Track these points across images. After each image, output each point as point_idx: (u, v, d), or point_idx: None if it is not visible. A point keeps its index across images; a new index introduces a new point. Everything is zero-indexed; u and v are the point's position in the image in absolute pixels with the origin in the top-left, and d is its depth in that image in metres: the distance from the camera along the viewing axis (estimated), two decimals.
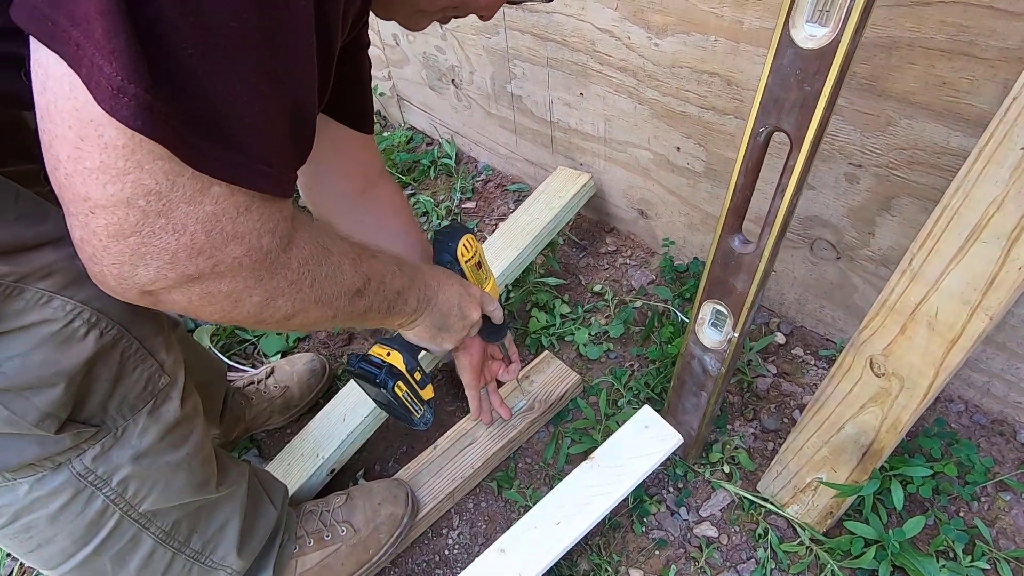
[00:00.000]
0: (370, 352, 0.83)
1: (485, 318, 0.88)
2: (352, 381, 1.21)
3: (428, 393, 0.87)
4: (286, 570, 0.92)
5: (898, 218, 0.93)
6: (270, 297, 0.47)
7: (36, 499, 0.59)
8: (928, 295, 0.72)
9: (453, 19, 0.69)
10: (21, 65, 0.39)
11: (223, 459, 0.80)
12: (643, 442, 0.95)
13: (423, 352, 0.85)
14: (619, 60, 1.17)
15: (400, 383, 0.80)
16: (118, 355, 0.59)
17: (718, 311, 0.89)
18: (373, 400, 0.90)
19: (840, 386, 0.85)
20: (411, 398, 0.84)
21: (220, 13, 0.34)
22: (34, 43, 0.36)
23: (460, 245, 0.84)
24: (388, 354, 0.82)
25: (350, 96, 0.77)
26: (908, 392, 0.77)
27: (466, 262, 0.86)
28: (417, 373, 0.84)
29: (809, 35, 0.65)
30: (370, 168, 0.87)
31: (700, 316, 0.92)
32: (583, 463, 0.96)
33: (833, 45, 0.63)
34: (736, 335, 0.88)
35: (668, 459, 1.08)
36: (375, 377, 0.79)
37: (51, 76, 0.35)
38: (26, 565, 1.21)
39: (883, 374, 0.79)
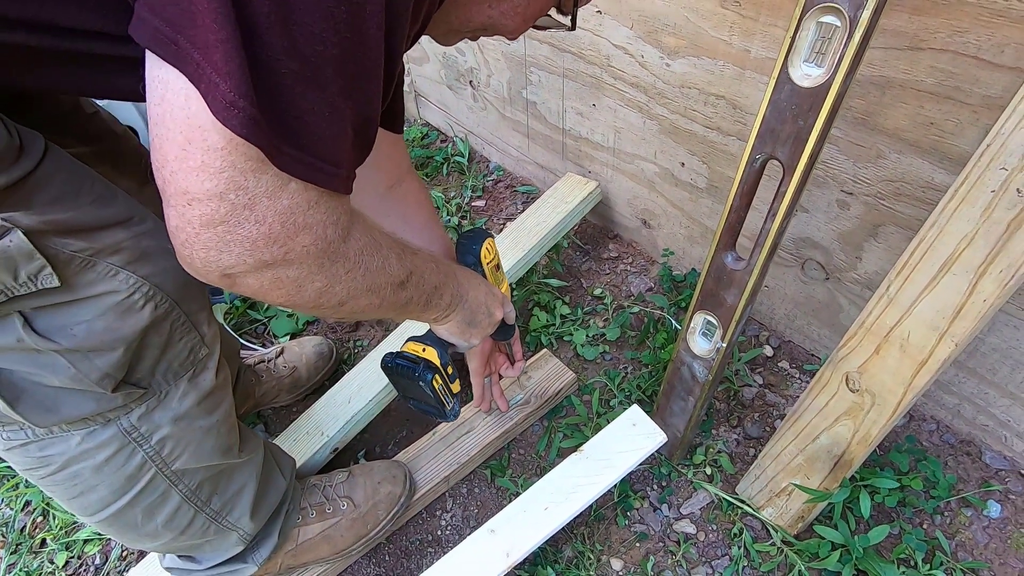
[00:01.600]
0: (404, 349, 0.88)
1: None
2: (353, 369, 1.27)
3: (457, 387, 0.92)
4: (289, 538, 0.98)
5: (883, 245, 0.99)
6: (329, 284, 0.53)
7: (85, 450, 0.65)
8: (902, 320, 0.78)
9: (481, 36, 0.74)
10: (123, 64, 0.46)
11: (243, 430, 0.87)
12: (630, 438, 1.01)
13: (452, 347, 0.90)
14: (632, 76, 1.23)
15: (436, 376, 0.86)
16: (168, 326, 0.65)
17: (708, 322, 0.95)
18: (404, 396, 0.95)
19: (818, 399, 0.91)
20: (444, 391, 0.89)
21: (308, 43, 0.41)
22: (153, 61, 0.41)
23: (483, 248, 0.90)
24: (423, 350, 0.87)
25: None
26: (879, 408, 0.83)
27: (487, 264, 0.91)
28: (449, 367, 0.89)
29: (805, 74, 0.71)
30: (399, 165, 0.93)
31: (692, 325, 0.98)
32: (572, 455, 1.02)
33: (826, 85, 0.69)
34: (724, 345, 0.94)
35: (654, 458, 1.14)
36: (414, 371, 0.84)
37: (170, 90, 0.41)
38: (39, 519, 1.27)
39: (857, 390, 0.85)
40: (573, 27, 0.73)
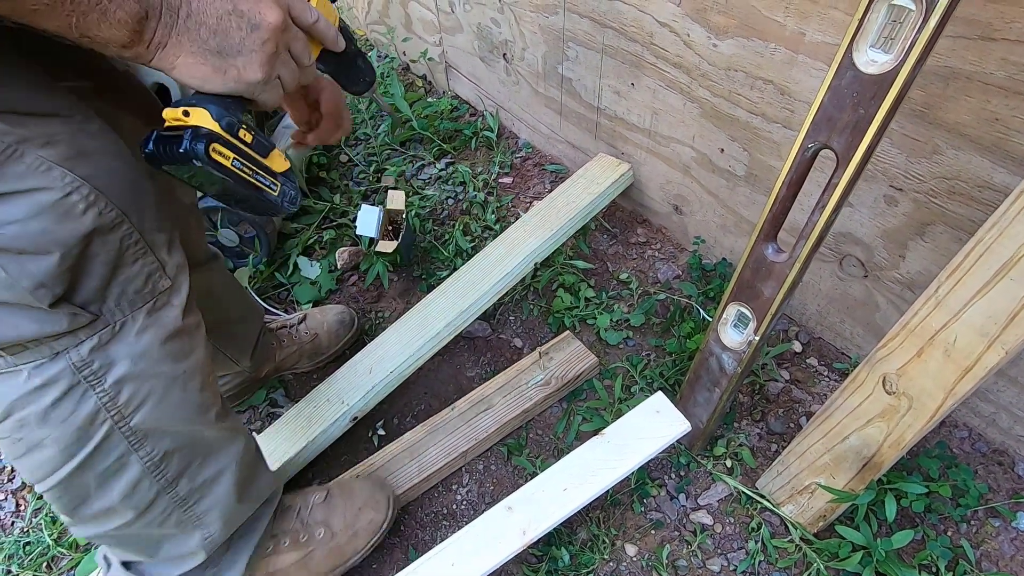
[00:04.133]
0: (164, 114, 0.57)
1: (325, 51, 0.66)
2: (375, 339, 1.27)
3: (279, 163, 0.63)
4: (258, 568, 0.90)
5: (930, 245, 0.95)
6: None
7: (32, 388, 0.59)
8: (949, 323, 0.75)
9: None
10: None
11: (227, 407, 0.78)
12: (653, 425, 1.00)
13: (249, 104, 0.59)
14: (675, 56, 1.19)
15: (217, 145, 0.56)
16: (117, 240, 0.58)
17: (742, 313, 0.93)
18: (214, 196, 0.62)
19: (851, 399, 0.88)
20: (246, 167, 0.59)
21: None
22: None
23: None
24: (185, 114, 0.56)
25: None
26: (915, 412, 0.81)
27: None
28: (244, 132, 0.59)
29: (871, 60, 0.67)
30: None
31: (724, 316, 0.96)
32: (593, 438, 1.01)
33: (893, 73, 0.65)
34: (757, 339, 0.92)
35: (673, 447, 1.13)
36: (177, 147, 0.54)
37: None
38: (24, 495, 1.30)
39: (894, 392, 0.83)
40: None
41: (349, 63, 0.69)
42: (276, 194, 0.62)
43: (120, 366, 0.62)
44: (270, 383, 1.33)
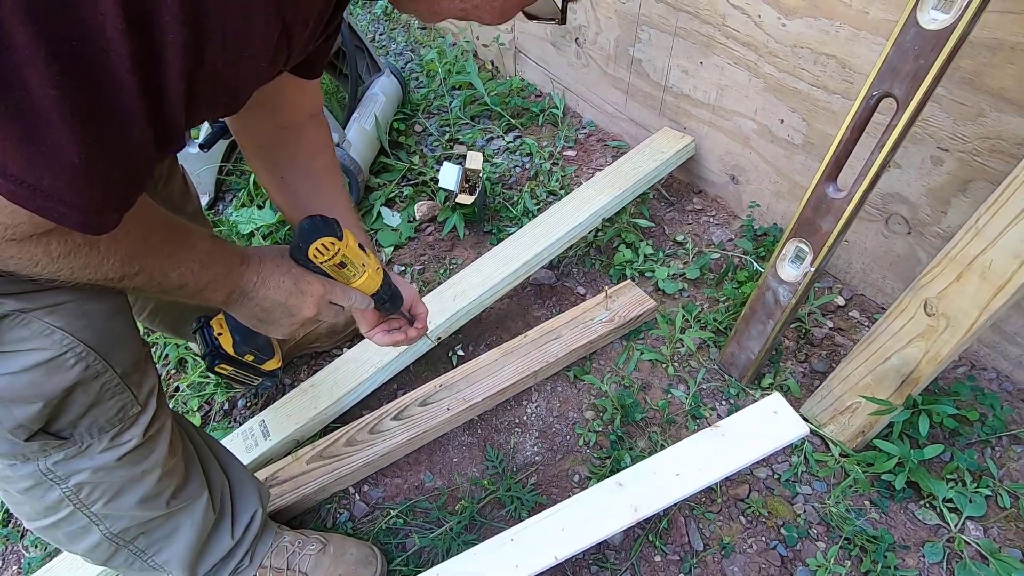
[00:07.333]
0: (212, 321, 0.83)
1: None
2: (458, 274, 1.42)
3: (272, 364, 0.88)
4: None
5: (971, 200, 1.08)
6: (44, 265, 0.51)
7: (8, 476, 0.69)
8: (986, 249, 0.88)
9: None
10: None
11: (190, 470, 0.84)
12: (769, 425, 0.99)
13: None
14: (745, 35, 1.34)
15: (224, 364, 0.82)
16: (98, 386, 0.64)
17: (800, 248, 1.07)
18: None
19: (893, 323, 1.01)
20: (241, 374, 0.86)
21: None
22: None
23: (312, 248, 0.73)
24: (220, 333, 0.81)
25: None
26: (952, 329, 0.94)
27: (323, 263, 0.76)
28: (250, 355, 0.84)
29: (932, 18, 0.82)
30: (300, 110, 0.87)
31: (783, 252, 1.10)
32: (708, 429, 1.00)
33: (951, 28, 0.79)
34: (812, 270, 1.05)
35: (724, 379, 1.27)
36: (204, 354, 0.82)
37: None
38: (173, 371, 1.47)
39: (934, 314, 0.96)
40: (563, 21, 0.68)
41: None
42: (255, 384, 0.92)
43: (81, 475, 0.70)
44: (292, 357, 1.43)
